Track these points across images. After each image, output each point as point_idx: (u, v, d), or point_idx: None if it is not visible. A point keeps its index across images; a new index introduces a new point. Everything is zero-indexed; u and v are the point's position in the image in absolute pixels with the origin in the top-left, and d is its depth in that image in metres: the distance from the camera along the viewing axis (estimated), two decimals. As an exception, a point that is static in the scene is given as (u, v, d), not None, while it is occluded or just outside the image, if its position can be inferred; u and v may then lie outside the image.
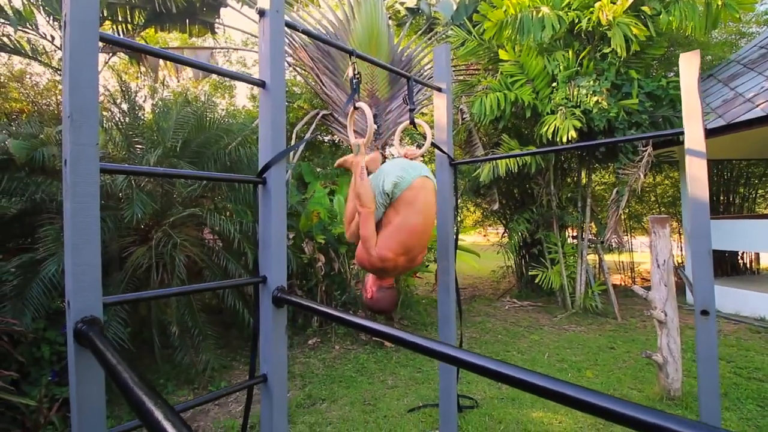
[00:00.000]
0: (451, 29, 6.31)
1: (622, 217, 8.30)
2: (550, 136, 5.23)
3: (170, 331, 3.59)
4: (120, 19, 5.88)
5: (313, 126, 6.42)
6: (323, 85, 6.12)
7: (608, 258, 7.73)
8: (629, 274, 9.28)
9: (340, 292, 5.12)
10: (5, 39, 4.92)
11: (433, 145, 1.99)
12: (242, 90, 14.78)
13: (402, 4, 7.81)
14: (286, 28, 1.26)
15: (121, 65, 9.94)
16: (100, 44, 0.91)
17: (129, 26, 6.00)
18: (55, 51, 6.38)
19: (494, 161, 5.79)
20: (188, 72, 7.62)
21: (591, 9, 4.99)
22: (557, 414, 3.08)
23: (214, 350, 3.78)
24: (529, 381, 0.62)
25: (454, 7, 6.80)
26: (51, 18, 5.17)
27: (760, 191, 8.81)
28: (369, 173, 1.79)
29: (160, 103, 5.09)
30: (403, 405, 3.31)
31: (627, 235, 9.54)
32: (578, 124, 5.04)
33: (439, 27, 6.96)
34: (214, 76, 9.62)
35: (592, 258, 6.89)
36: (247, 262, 4.18)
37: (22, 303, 2.89)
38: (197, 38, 6.68)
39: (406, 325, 5.53)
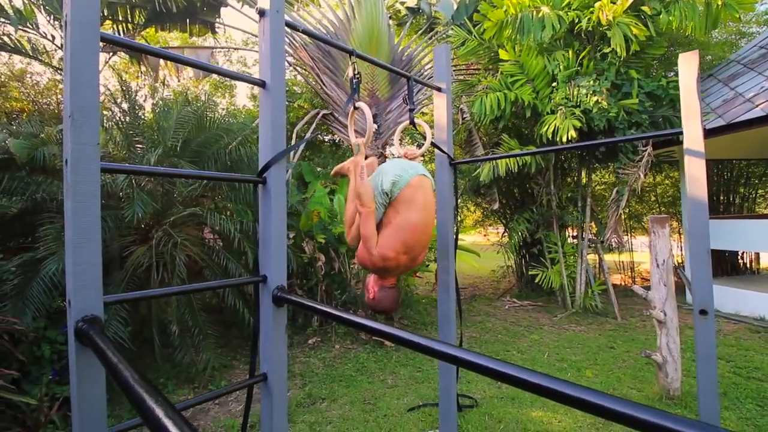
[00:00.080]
0: (452, 29, 6.31)
1: (622, 216, 8.30)
2: (550, 136, 5.23)
3: (170, 331, 3.59)
4: (120, 18, 5.89)
5: (314, 125, 6.42)
6: (323, 84, 6.12)
7: (608, 258, 7.73)
8: (629, 273, 9.27)
9: (340, 292, 5.12)
10: (6, 38, 4.93)
11: (433, 144, 1.99)
12: (242, 90, 14.78)
13: (402, 3, 7.80)
14: (286, 28, 1.26)
15: (121, 65, 9.93)
16: (101, 44, 0.92)
17: (129, 26, 6.00)
18: (55, 50, 6.38)
19: (494, 161, 5.79)
20: (189, 71, 7.64)
21: (591, 9, 4.99)
22: (557, 413, 3.08)
23: (215, 349, 3.78)
24: (529, 380, 0.62)
25: (455, 7, 6.80)
26: (51, 17, 5.17)
27: (760, 191, 8.80)
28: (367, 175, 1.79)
29: (160, 102, 5.08)
30: (403, 404, 3.31)
31: (627, 234, 9.54)
32: (578, 124, 5.04)
33: (440, 27, 6.96)
34: (215, 75, 9.61)
35: (592, 258, 6.89)
36: (247, 261, 4.18)
37: (22, 302, 2.89)
38: (198, 38, 6.69)
39: (406, 324, 5.53)
